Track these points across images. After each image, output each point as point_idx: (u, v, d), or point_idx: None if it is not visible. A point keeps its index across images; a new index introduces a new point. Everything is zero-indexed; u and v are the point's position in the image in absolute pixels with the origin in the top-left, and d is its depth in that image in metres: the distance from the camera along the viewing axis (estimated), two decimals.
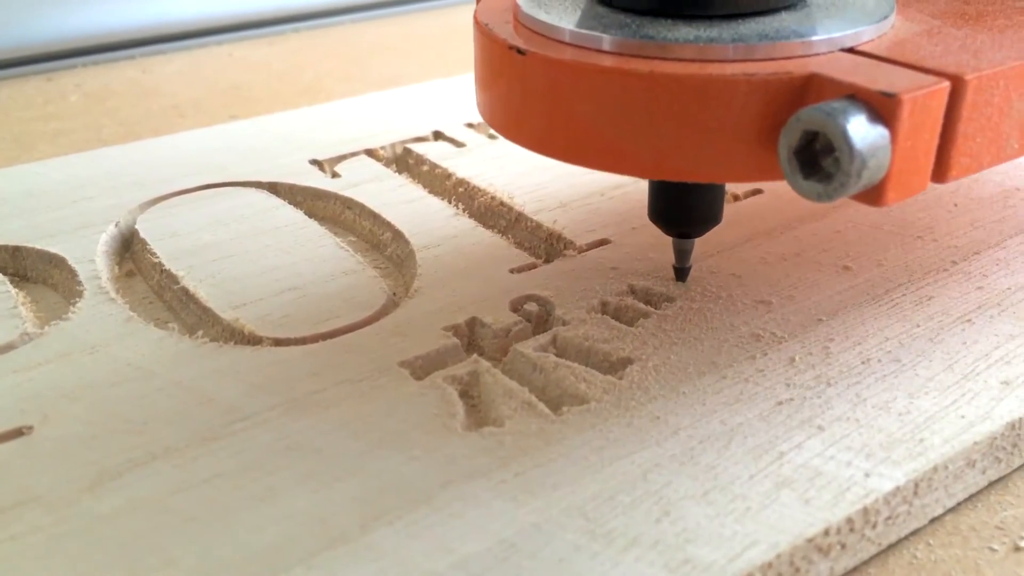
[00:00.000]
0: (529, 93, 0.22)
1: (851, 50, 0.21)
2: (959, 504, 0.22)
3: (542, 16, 0.22)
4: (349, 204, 0.33)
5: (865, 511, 0.20)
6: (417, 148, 0.37)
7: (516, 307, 0.27)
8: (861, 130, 0.18)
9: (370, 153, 0.36)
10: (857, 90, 0.19)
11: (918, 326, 0.26)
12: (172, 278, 0.28)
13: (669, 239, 0.27)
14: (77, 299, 0.27)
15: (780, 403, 0.23)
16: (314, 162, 0.36)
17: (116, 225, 0.31)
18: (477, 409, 0.23)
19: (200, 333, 0.26)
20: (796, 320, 0.26)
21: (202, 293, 0.27)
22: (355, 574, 0.19)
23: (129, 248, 0.31)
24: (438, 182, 0.34)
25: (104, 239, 0.30)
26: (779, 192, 0.33)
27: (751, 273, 0.28)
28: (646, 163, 0.21)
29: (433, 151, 0.36)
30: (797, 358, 0.25)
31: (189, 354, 0.25)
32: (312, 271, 0.29)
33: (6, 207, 0.32)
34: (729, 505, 0.20)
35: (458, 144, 0.37)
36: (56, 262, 0.29)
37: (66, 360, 0.25)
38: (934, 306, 0.27)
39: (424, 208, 0.32)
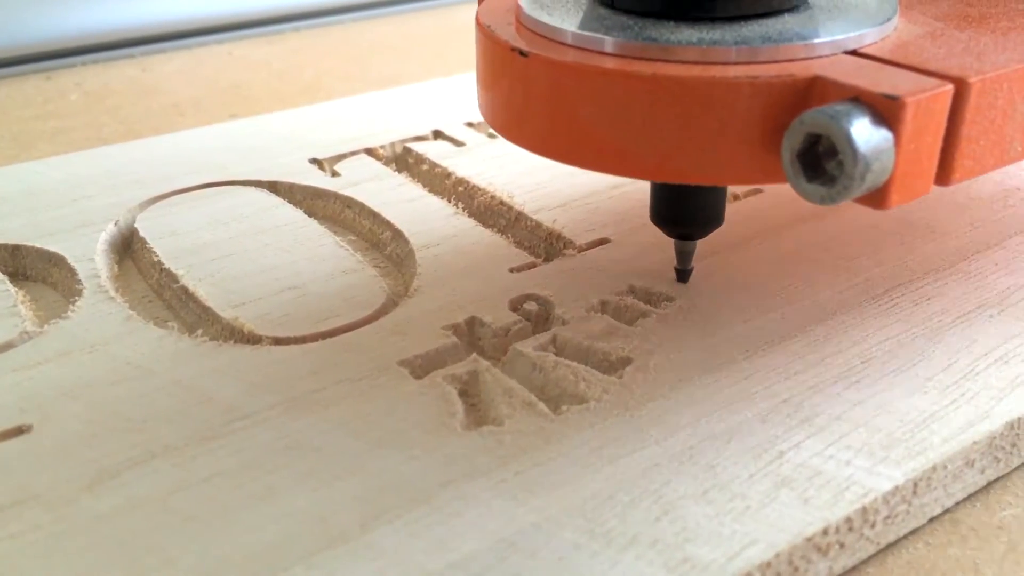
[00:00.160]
0: (531, 95, 0.22)
1: (854, 52, 0.21)
2: (958, 504, 0.22)
3: (544, 18, 0.22)
4: (349, 203, 0.33)
5: (864, 510, 0.20)
6: (417, 147, 0.37)
7: (516, 306, 0.27)
8: (865, 133, 0.18)
9: (370, 152, 0.36)
10: (861, 93, 0.19)
11: (917, 326, 0.26)
12: (172, 277, 0.28)
13: (669, 239, 0.27)
14: (76, 298, 0.27)
15: (779, 402, 0.23)
16: (314, 161, 0.36)
17: (116, 224, 0.31)
18: (477, 408, 0.23)
19: (200, 332, 0.26)
20: (795, 319, 0.26)
21: (201, 292, 0.27)
22: (355, 573, 0.19)
23: (129, 247, 0.31)
24: (438, 181, 0.34)
25: (104, 238, 0.30)
26: (778, 192, 0.33)
27: (750, 272, 0.28)
28: (648, 165, 0.21)
29: (433, 150, 0.36)
30: (797, 357, 0.25)
31: (189, 353, 0.25)
32: (312, 270, 0.29)
33: (6, 206, 0.32)
34: (728, 504, 0.20)
35: (458, 143, 0.37)
36: (55, 261, 0.29)
37: (65, 359, 0.25)
38: (933, 306, 0.27)
39: (424, 207, 0.32)
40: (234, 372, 0.24)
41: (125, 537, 0.19)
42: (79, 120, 0.45)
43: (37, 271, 0.30)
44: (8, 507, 0.20)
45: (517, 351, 0.25)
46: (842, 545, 0.20)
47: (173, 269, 0.28)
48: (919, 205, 0.32)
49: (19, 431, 0.22)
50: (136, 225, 0.31)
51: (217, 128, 0.39)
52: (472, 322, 0.26)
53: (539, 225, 0.31)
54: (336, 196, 0.33)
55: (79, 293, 0.27)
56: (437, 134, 0.38)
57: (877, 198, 0.19)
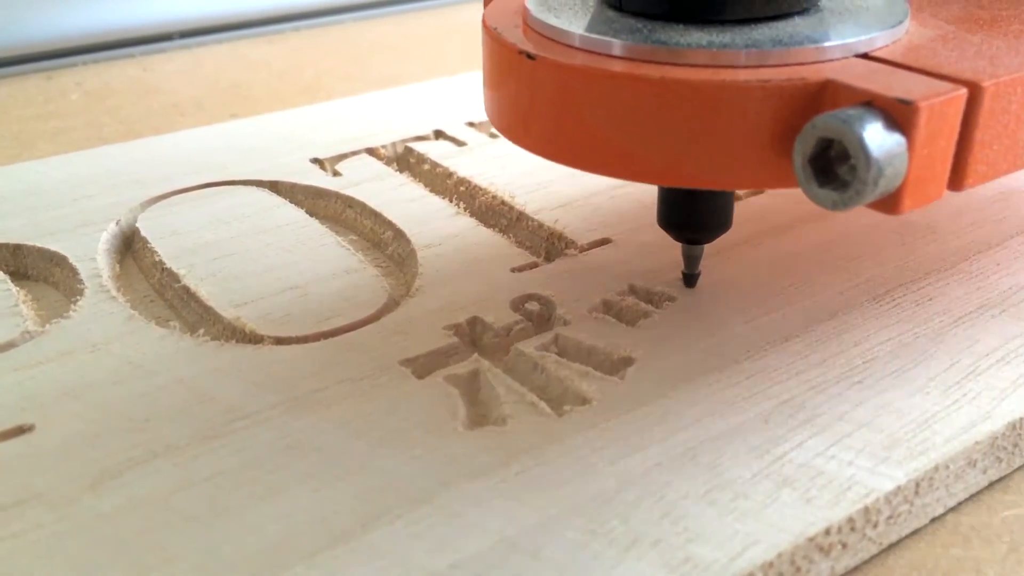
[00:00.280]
0: (539, 98, 0.22)
1: (865, 56, 0.21)
2: (960, 503, 0.22)
3: (552, 20, 0.22)
4: (350, 203, 0.33)
5: (866, 510, 0.20)
6: (418, 147, 0.37)
7: (517, 306, 0.27)
8: (878, 138, 0.18)
9: (371, 152, 0.36)
10: (873, 97, 0.18)
11: (919, 326, 0.26)
12: (173, 276, 0.28)
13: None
14: (78, 297, 0.27)
15: (781, 402, 0.23)
16: (315, 161, 0.36)
17: (117, 223, 0.31)
18: (478, 408, 0.23)
19: (201, 332, 0.26)
20: (797, 319, 0.26)
21: (203, 292, 0.27)
22: (356, 573, 0.19)
23: (130, 247, 0.31)
24: (439, 181, 0.34)
25: (105, 237, 0.30)
26: (780, 192, 0.33)
27: (752, 272, 0.28)
28: (657, 170, 0.21)
29: (434, 150, 0.36)
30: (798, 357, 0.25)
31: (190, 352, 0.25)
32: (313, 270, 0.29)
33: (7, 205, 0.32)
34: (730, 504, 0.20)
35: (459, 143, 0.37)
36: (57, 260, 0.29)
37: (67, 358, 0.25)
38: (935, 306, 0.27)
39: (425, 207, 0.32)
40: (236, 372, 0.24)
41: (127, 536, 0.19)
42: (80, 120, 0.45)
43: (38, 271, 0.30)
44: (10, 506, 0.20)
45: (519, 351, 0.25)
46: (844, 545, 0.20)
47: (174, 269, 0.28)
48: None
49: (21, 431, 0.22)
50: (137, 225, 0.31)
51: (218, 128, 0.39)
52: (474, 322, 0.26)
53: (541, 225, 0.31)
54: (337, 196, 0.33)
55: (80, 293, 0.27)
56: (438, 134, 0.38)
57: (889, 203, 0.19)
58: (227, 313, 0.26)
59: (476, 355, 0.25)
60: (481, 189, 0.33)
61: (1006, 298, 0.27)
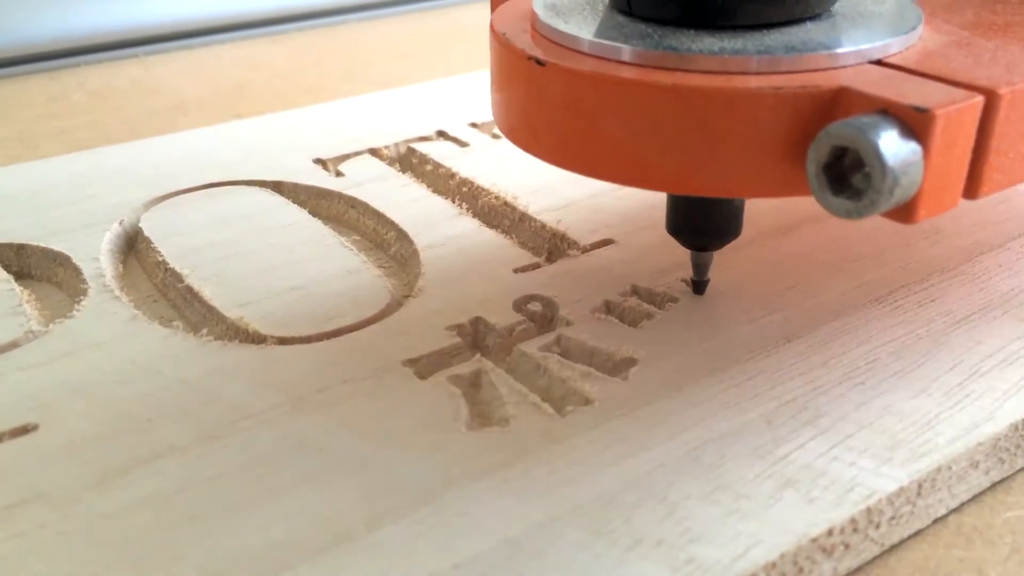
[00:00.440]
0: (548, 105, 0.21)
1: (879, 62, 0.20)
2: (962, 505, 0.22)
3: (561, 26, 0.22)
4: (353, 203, 0.33)
5: (869, 511, 0.20)
6: (421, 147, 0.37)
7: (520, 307, 0.27)
8: (893, 146, 0.18)
9: (374, 152, 0.36)
10: (889, 104, 0.18)
11: (922, 327, 0.26)
12: (176, 276, 0.28)
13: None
14: (82, 297, 0.27)
15: (784, 403, 0.23)
16: (318, 161, 0.36)
17: (120, 223, 0.31)
18: (481, 409, 0.23)
19: (205, 331, 0.26)
20: (800, 320, 0.26)
21: (206, 291, 0.27)
22: (360, 572, 0.19)
23: (133, 247, 0.31)
24: (442, 181, 0.34)
25: (108, 237, 0.30)
26: None
27: (754, 273, 0.28)
28: (669, 178, 0.20)
29: (437, 150, 0.36)
30: (801, 358, 0.25)
31: (194, 352, 0.25)
32: (316, 270, 0.29)
33: (10, 205, 0.32)
34: (733, 505, 0.20)
35: (462, 144, 0.37)
36: (60, 260, 0.29)
37: (71, 358, 0.25)
38: (938, 307, 0.27)
39: (428, 207, 0.32)
40: (239, 372, 0.24)
41: (131, 536, 0.19)
42: (83, 120, 0.45)
43: (42, 270, 0.30)
44: (15, 506, 0.20)
45: (521, 352, 0.25)
46: (847, 546, 0.20)
47: (178, 269, 0.28)
48: None
49: (25, 430, 0.22)
50: (141, 225, 0.31)
51: (221, 128, 0.39)
52: (476, 323, 0.26)
53: (543, 226, 0.31)
54: (340, 196, 0.33)
55: (84, 292, 0.28)
56: (441, 134, 0.38)
57: (904, 212, 0.19)
58: (230, 313, 0.27)
59: (479, 356, 0.25)
60: (484, 190, 0.33)
61: (1009, 299, 0.27)
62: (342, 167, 0.35)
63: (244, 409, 0.23)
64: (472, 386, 0.24)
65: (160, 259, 0.29)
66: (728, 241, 0.26)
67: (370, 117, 0.40)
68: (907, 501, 0.21)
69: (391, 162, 0.36)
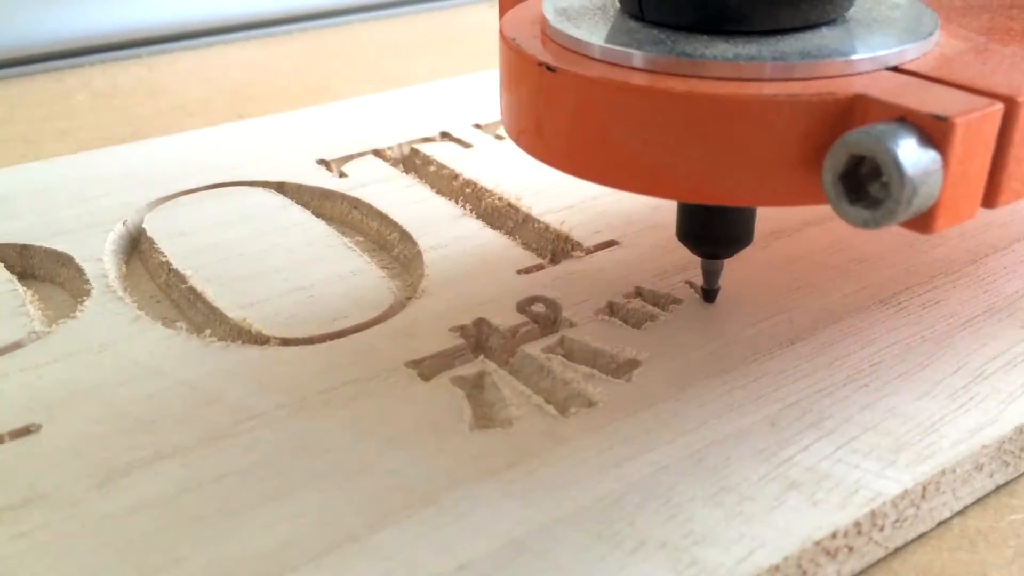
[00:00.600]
0: (559, 111, 0.21)
1: (896, 69, 0.20)
2: (966, 508, 0.22)
3: (572, 31, 0.21)
4: (356, 204, 0.33)
5: (873, 514, 0.20)
6: (424, 148, 0.37)
7: (523, 308, 0.27)
8: (912, 155, 0.17)
9: (377, 153, 0.36)
10: (907, 112, 0.18)
11: (926, 329, 0.26)
12: (180, 277, 0.28)
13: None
14: (85, 298, 0.27)
15: (788, 405, 0.23)
16: (321, 162, 0.36)
17: (124, 224, 0.31)
18: (484, 410, 0.23)
19: (208, 332, 0.26)
20: (804, 323, 0.26)
21: (209, 292, 0.27)
22: (363, 574, 0.19)
23: (137, 247, 0.31)
24: (445, 183, 0.34)
25: (112, 238, 0.30)
26: None
27: (758, 275, 0.28)
28: (681, 186, 0.20)
29: (440, 152, 0.36)
30: (805, 360, 0.25)
31: (197, 353, 0.25)
32: (319, 271, 0.29)
33: (14, 205, 0.32)
34: (737, 507, 0.20)
35: (465, 145, 0.37)
36: (64, 261, 0.29)
37: (74, 359, 0.25)
38: (942, 309, 0.27)
39: (431, 209, 0.32)
40: (242, 373, 0.24)
41: (134, 536, 0.19)
42: (87, 120, 0.45)
43: (45, 271, 0.30)
44: (18, 506, 0.20)
45: (525, 353, 0.25)
46: (851, 549, 0.20)
47: (181, 269, 0.28)
48: None
49: (28, 431, 0.22)
50: (144, 225, 0.31)
51: (224, 129, 0.39)
52: (480, 324, 0.26)
53: (547, 227, 0.31)
54: (344, 197, 0.33)
55: (87, 293, 0.28)
56: (445, 135, 0.38)
57: (923, 222, 0.18)
58: (233, 314, 0.27)
59: (482, 357, 0.25)
60: (487, 191, 0.33)
61: (1013, 302, 0.27)
62: (345, 168, 0.35)
63: (247, 410, 0.23)
64: (475, 387, 0.24)
65: (163, 260, 0.29)
66: (740, 249, 0.25)
67: (374, 118, 0.40)
68: (911, 504, 0.21)
69: (395, 163, 0.36)
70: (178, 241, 0.30)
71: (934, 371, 0.24)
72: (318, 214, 0.32)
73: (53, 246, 0.30)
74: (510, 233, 0.31)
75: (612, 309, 0.27)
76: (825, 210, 0.32)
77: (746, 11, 0.21)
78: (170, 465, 0.21)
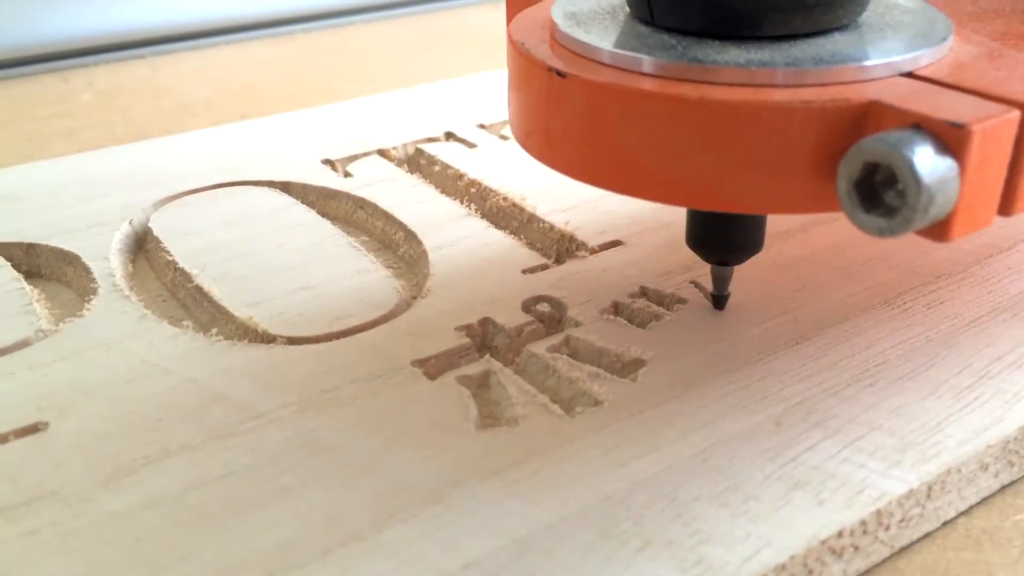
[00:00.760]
0: (569, 118, 0.21)
1: (910, 74, 0.20)
2: (972, 507, 0.22)
3: (581, 36, 0.21)
4: (361, 204, 0.33)
5: (878, 513, 0.20)
6: (429, 148, 0.37)
7: (528, 308, 0.27)
8: (928, 162, 0.17)
9: (382, 153, 0.36)
10: (922, 119, 0.18)
11: (931, 329, 0.26)
12: (186, 276, 0.28)
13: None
14: (91, 296, 0.27)
15: (793, 405, 0.23)
16: (326, 162, 0.36)
17: (130, 223, 0.31)
18: (490, 409, 0.23)
19: (214, 331, 0.26)
20: (808, 322, 0.26)
21: (215, 291, 0.28)
22: (369, 572, 0.19)
23: (143, 246, 0.31)
24: (450, 182, 0.34)
25: (118, 237, 0.30)
26: None
27: (763, 275, 0.28)
28: (692, 193, 0.20)
29: (445, 151, 0.36)
30: (810, 360, 0.25)
31: (203, 352, 0.25)
32: (325, 270, 0.29)
33: (20, 204, 0.32)
34: (743, 506, 0.20)
35: (470, 145, 0.37)
36: (70, 260, 0.29)
37: (81, 357, 0.25)
38: (947, 310, 0.27)
39: (436, 208, 0.32)
40: (248, 371, 0.24)
41: (141, 534, 0.19)
42: (91, 120, 0.45)
43: (52, 270, 0.30)
44: (26, 504, 0.20)
45: (530, 352, 0.25)
46: (856, 548, 0.20)
47: (187, 268, 0.29)
48: None
49: (35, 428, 0.22)
50: (150, 224, 0.31)
51: (229, 128, 0.39)
52: (485, 323, 0.26)
53: (552, 227, 0.31)
54: (349, 197, 0.33)
55: (94, 292, 0.28)
56: (449, 135, 0.38)
57: (938, 231, 0.18)
58: (239, 313, 0.27)
59: (488, 356, 0.25)
60: (492, 191, 0.33)
61: (1017, 302, 0.27)
62: (350, 168, 0.35)
63: (253, 409, 0.23)
64: (481, 387, 0.24)
65: (169, 259, 0.29)
66: (750, 256, 0.25)
67: (378, 118, 0.40)
68: (916, 503, 0.21)
69: (399, 163, 0.36)
70: (184, 240, 0.30)
71: (939, 371, 0.24)
72: (323, 214, 0.32)
73: (60, 245, 0.30)
74: (515, 233, 0.31)
75: (617, 309, 0.27)
76: None
77: (758, 16, 0.20)
78: (177, 463, 0.21)
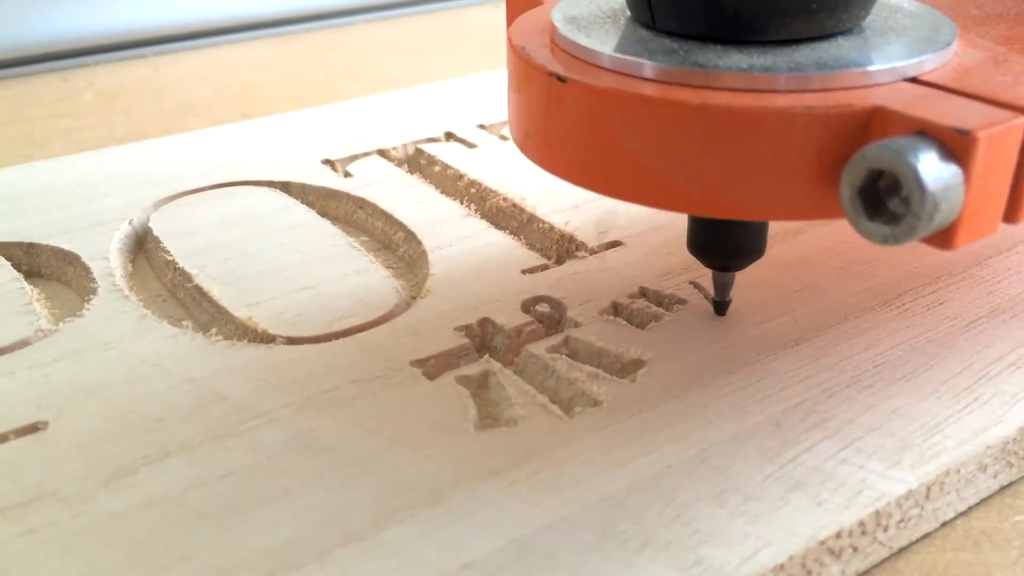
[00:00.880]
0: (570, 123, 0.21)
1: (914, 80, 0.20)
2: (970, 508, 0.22)
3: (582, 40, 0.21)
4: (361, 204, 0.33)
5: (877, 514, 0.20)
6: (429, 148, 0.37)
7: (528, 308, 0.27)
8: (933, 170, 0.17)
9: (382, 153, 0.37)
10: (927, 125, 0.17)
11: (930, 330, 0.26)
12: (185, 276, 0.28)
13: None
14: (91, 296, 0.27)
15: (792, 405, 0.23)
16: (326, 162, 0.36)
17: (130, 223, 0.31)
18: (489, 409, 0.23)
19: (214, 331, 0.26)
20: (808, 323, 0.26)
21: (215, 291, 0.28)
22: (368, 572, 0.19)
23: (142, 246, 0.31)
24: (450, 183, 0.34)
25: (118, 237, 0.30)
26: None
27: (763, 276, 0.28)
28: (694, 200, 0.20)
29: (445, 152, 0.36)
30: (809, 361, 0.25)
31: (203, 352, 0.25)
32: (325, 270, 0.29)
33: (21, 204, 0.32)
34: (742, 507, 0.20)
35: (470, 145, 0.37)
36: (70, 259, 0.29)
37: (81, 357, 0.25)
38: (946, 310, 0.27)
39: (436, 208, 0.32)
40: (248, 371, 0.24)
41: (141, 534, 0.19)
42: (92, 119, 0.45)
43: (52, 269, 0.30)
44: (25, 503, 0.20)
45: (529, 353, 0.25)
46: (855, 549, 0.20)
47: (187, 268, 0.29)
48: None
49: (35, 428, 0.22)
50: (150, 224, 0.31)
51: (230, 128, 0.39)
52: (484, 323, 0.26)
53: (551, 227, 0.31)
54: (348, 197, 0.33)
55: (94, 292, 0.28)
56: (449, 136, 0.38)
57: (943, 238, 0.18)
58: (239, 313, 0.27)
59: (487, 356, 0.25)
60: (492, 191, 0.33)
61: (1017, 303, 0.27)
62: (350, 168, 0.35)
63: (253, 409, 0.23)
64: (480, 387, 0.24)
65: (169, 259, 0.29)
66: (752, 261, 0.25)
67: (378, 118, 0.40)
68: (915, 504, 0.21)
69: (399, 163, 0.36)
70: (184, 240, 0.30)
71: (938, 372, 0.24)
72: (323, 214, 0.32)
73: (60, 245, 0.30)
74: (515, 233, 0.31)
75: (617, 309, 0.27)
76: None
77: (761, 20, 0.20)
78: (176, 463, 0.21)
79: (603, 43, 0.21)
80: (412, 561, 0.19)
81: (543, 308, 0.27)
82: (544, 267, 0.29)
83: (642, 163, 0.20)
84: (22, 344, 0.25)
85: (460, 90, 0.43)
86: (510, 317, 0.26)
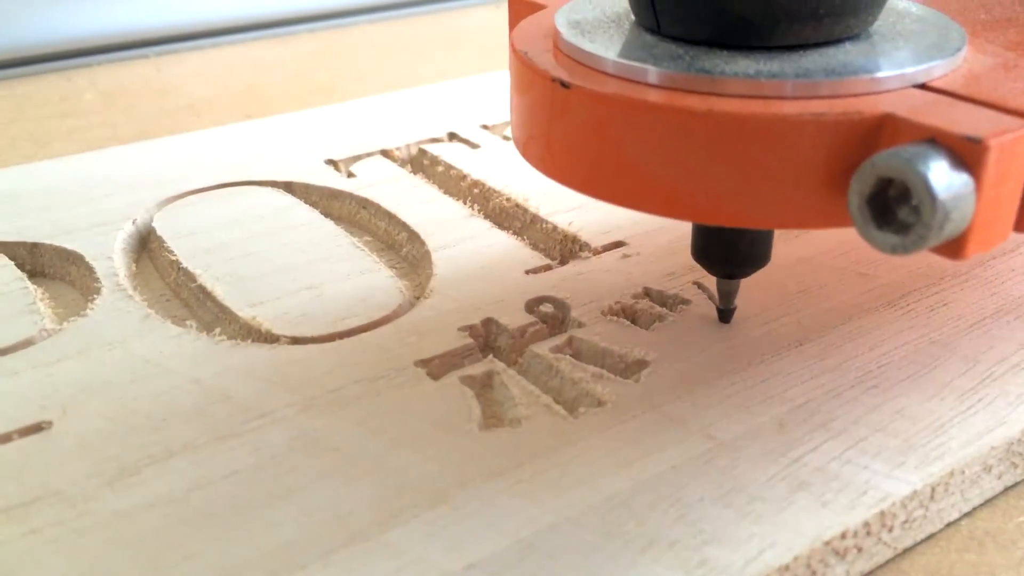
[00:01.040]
0: (573, 130, 0.20)
1: (923, 86, 0.19)
2: (975, 509, 0.22)
3: (586, 45, 0.21)
4: (364, 204, 0.33)
5: (882, 515, 0.20)
6: (432, 149, 0.37)
7: (532, 308, 0.27)
8: (944, 178, 0.17)
9: (385, 153, 0.37)
10: (938, 133, 0.17)
11: (934, 331, 0.26)
12: (189, 276, 0.28)
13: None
14: (95, 296, 0.27)
15: (797, 406, 0.23)
16: (329, 162, 0.36)
17: (133, 223, 0.31)
18: (493, 409, 0.23)
19: (217, 331, 0.26)
20: (812, 324, 0.26)
21: (219, 291, 0.28)
22: (372, 572, 0.19)
23: (146, 246, 0.31)
24: (453, 183, 0.34)
25: (121, 237, 0.30)
26: None
27: (767, 276, 0.28)
28: (700, 208, 0.19)
29: (448, 152, 0.36)
30: (813, 362, 0.25)
31: (206, 352, 0.25)
32: (328, 270, 0.29)
33: (24, 204, 0.32)
34: (746, 507, 0.20)
35: (473, 145, 0.37)
36: (74, 259, 0.29)
37: (84, 356, 0.25)
38: (950, 311, 0.27)
39: (439, 209, 0.32)
40: (252, 371, 0.24)
41: (145, 534, 0.19)
42: (95, 119, 0.45)
43: (55, 269, 0.30)
44: (29, 503, 0.20)
45: (533, 353, 0.25)
46: (860, 549, 0.20)
47: (190, 268, 0.29)
48: None
49: (39, 428, 0.22)
50: (153, 224, 0.31)
51: (233, 128, 0.40)
52: (488, 324, 0.26)
53: (555, 227, 0.31)
54: (352, 197, 0.33)
55: (97, 291, 0.28)
56: (452, 136, 0.38)
57: (953, 248, 0.18)
58: (243, 313, 0.27)
59: (491, 356, 0.25)
60: (495, 191, 0.33)
61: (1021, 304, 0.27)
62: (354, 168, 0.35)
63: (257, 408, 0.23)
64: (484, 387, 0.24)
65: (173, 258, 0.29)
66: (758, 269, 0.25)
67: (381, 118, 0.40)
68: (920, 505, 0.21)
69: (402, 163, 0.36)
70: (187, 240, 0.30)
71: (942, 373, 0.24)
72: (326, 214, 0.32)
73: (63, 244, 0.30)
74: (518, 233, 0.31)
75: (620, 309, 0.27)
76: None
77: (767, 26, 0.20)
78: (180, 463, 0.21)
79: (607, 48, 0.21)
80: (416, 561, 0.19)
81: (547, 308, 0.27)
82: (548, 267, 0.29)
83: (647, 171, 0.20)
84: (26, 344, 0.25)
85: (463, 90, 0.43)
86: (514, 317, 0.26)
